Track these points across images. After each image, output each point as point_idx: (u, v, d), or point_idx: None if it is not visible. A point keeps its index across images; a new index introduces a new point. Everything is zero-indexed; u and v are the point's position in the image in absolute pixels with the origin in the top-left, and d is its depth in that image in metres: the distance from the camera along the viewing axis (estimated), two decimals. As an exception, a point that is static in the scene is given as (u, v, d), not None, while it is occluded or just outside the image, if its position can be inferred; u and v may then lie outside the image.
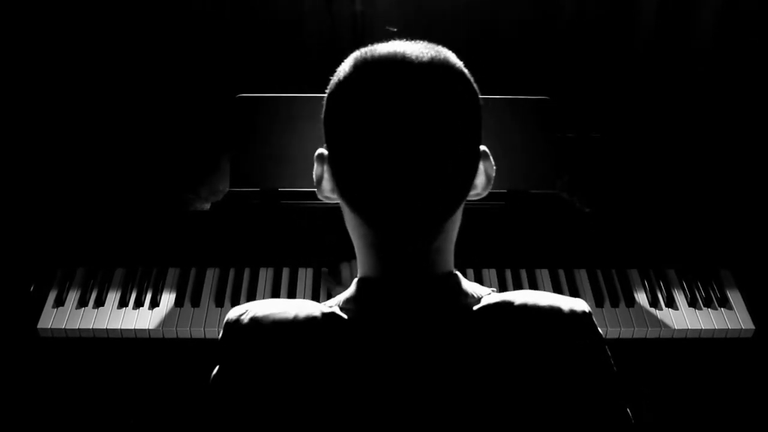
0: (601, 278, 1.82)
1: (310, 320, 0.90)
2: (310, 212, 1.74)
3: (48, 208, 1.82)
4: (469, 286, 0.94)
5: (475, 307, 0.90)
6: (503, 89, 1.78)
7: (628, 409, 0.95)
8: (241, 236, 1.81)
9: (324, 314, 0.90)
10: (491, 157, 0.93)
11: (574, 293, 1.78)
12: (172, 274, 1.81)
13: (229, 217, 1.79)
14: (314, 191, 0.95)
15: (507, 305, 0.91)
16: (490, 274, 1.81)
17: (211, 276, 1.80)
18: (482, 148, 0.92)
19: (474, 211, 1.76)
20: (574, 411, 0.90)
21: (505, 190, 1.75)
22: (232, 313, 0.95)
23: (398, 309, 0.90)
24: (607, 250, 1.84)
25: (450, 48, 0.91)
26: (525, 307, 0.91)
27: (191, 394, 1.77)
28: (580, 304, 0.93)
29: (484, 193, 0.94)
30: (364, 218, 0.88)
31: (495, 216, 1.78)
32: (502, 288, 1.78)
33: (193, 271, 1.81)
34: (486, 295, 0.93)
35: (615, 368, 0.94)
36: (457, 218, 0.92)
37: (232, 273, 1.81)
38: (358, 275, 0.95)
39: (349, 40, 2.15)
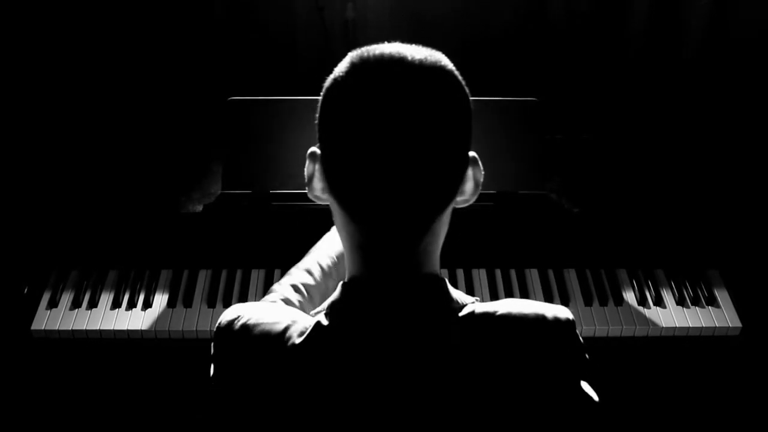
0: (590, 278, 1.84)
1: (298, 330, 0.91)
2: (301, 214, 1.76)
3: (42, 211, 1.83)
4: (454, 292, 0.94)
5: (460, 314, 0.91)
6: (494, 92, 1.80)
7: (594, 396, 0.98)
8: (233, 238, 1.83)
9: (311, 326, 0.91)
10: (480, 164, 0.94)
11: (564, 293, 1.79)
12: (165, 275, 1.82)
13: (221, 218, 1.80)
14: (306, 193, 0.96)
15: (492, 312, 0.92)
16: (480, 274, 1.82)
17: (203, 277, 1.81)
18: (471, 154, 0.93)
19: (463, 212, 1.77)
20: (551, 410, 0.91)
21: (494, 191, 1.77)
22: (225, 318, 0.96)
23: (383, 312, 0.90)
24: (596, 250, 1.85)
25: (441, 52, 0.93)
26: (510, 315, 0.92)
27: (184, 394, 1.78)
28: (563, 312, 0.94)
29: (472, 199, 0.94)
30: (352, 216, 0.89)
31: (484, 217, 1.80)
32: (492, 288, 1.79)
33: (185, 273, 1.82)
34: (470, 303, 0.94)
35: (590, 368, 0.96)
36: (445, 221, 0.93)
37: (224, 274, 1.82)
38: (345, 278, 0.95)
39: (341, 45, 2.17)
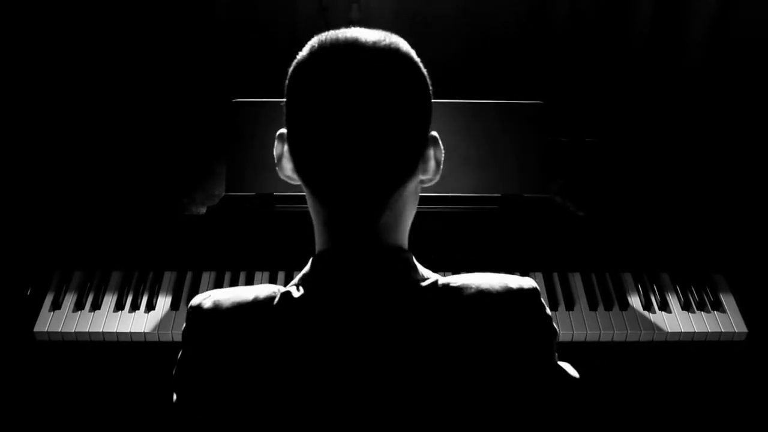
0: (595, 282, 1.83)
1: (268, 301, 0.93)
2: (305, 216, 1.74)
3: (45, 212, 1.83)
4: (421, 268, 0.97)
5: (423, 283, 0.93)
6: (498, 94, 1.79)
7: (568, 370, 1.00)
8: (237, 240, 1.82)
9: (280, 293, 0.94)
10: (441, 144, 0.97)
11: (568, 296, 1.79)
12: (168, 277, 1.81)
13: (225, 221, 1.80)
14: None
15: (455, 281, 0.94)
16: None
17: (207, 279, 1.81)
18: (432, 133, 0.96)
19: (468, 215, 1.79)
20: (520, 379, 0.92)
21: (498, 195, 1.76)
22: (196, 299, 0.98)
23: (347, 282, 0.93)
24: (601, 253, 1.85)
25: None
26: (473, 283, 0.94)
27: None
28: (528, 282, 0.97)
29: (436, 178, 0.97)
30: (315, 193, 0.93)
31: (489, 220, 1.80)
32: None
33: (189, 275, 1.82)
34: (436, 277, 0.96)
35: (557, 338, 0.98)
36: (408, 198, 0.96)
37: (227, 276, 1.82)
38: (316, 252, 0.98)
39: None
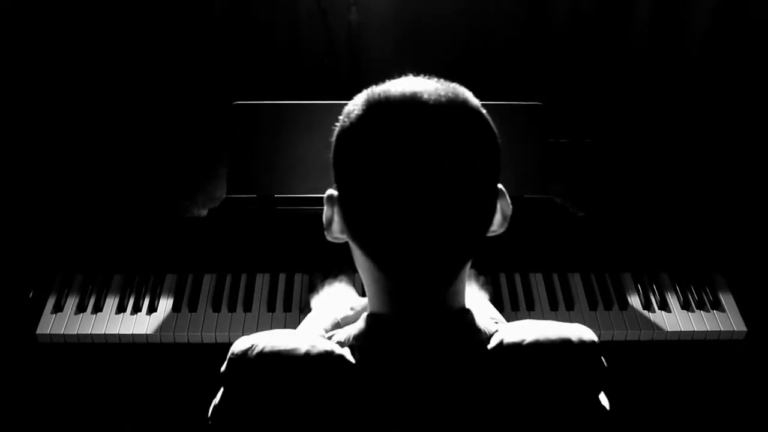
0: (594, 282, 1.83)
1: (319, 361, 0.87)
2: (306, 218, 1.75)
3: (47, 215, 1.83)
4: (481, 321, 0.92)
5: (489, 346, 0.89)
6: (498, 96, 1.79)
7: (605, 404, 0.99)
8: (238, 242, 1.83)
9: (333, 356, 0.87)
10: (507, 196, 0.91)
11: (568, 297, 1.79)
12: (170, 279, 1.82)
13: (226, 223, 1.80)
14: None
15: (519, 341, 0.89)
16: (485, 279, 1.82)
17: (208, 281, 1.82)
18: (499, 186, 0.89)
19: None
20: (571, 424, 0.91)
21: (498, 195, 1.77)
22: (238, 347, 0.91)
23: (411, 350, 0.87)
24: (601, 254, 1.85)
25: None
26: (538, 342, 0.90)
27: (189, 398, 1.78)
28: (588, 334, 0.93)
29: (500, 231, 0.92)
30: (377, 263, 0.86)
31: (489, 221, 1.80)
32: (497, 292, 1.79)
33: (190, 277, 1.82)
34: (494, 331, 0.91)
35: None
36: (471, 257, 0.91)
37: (229, 279, 1.82)
38: (368, 310, 0.92)
39: (344, 49, 2.17)
